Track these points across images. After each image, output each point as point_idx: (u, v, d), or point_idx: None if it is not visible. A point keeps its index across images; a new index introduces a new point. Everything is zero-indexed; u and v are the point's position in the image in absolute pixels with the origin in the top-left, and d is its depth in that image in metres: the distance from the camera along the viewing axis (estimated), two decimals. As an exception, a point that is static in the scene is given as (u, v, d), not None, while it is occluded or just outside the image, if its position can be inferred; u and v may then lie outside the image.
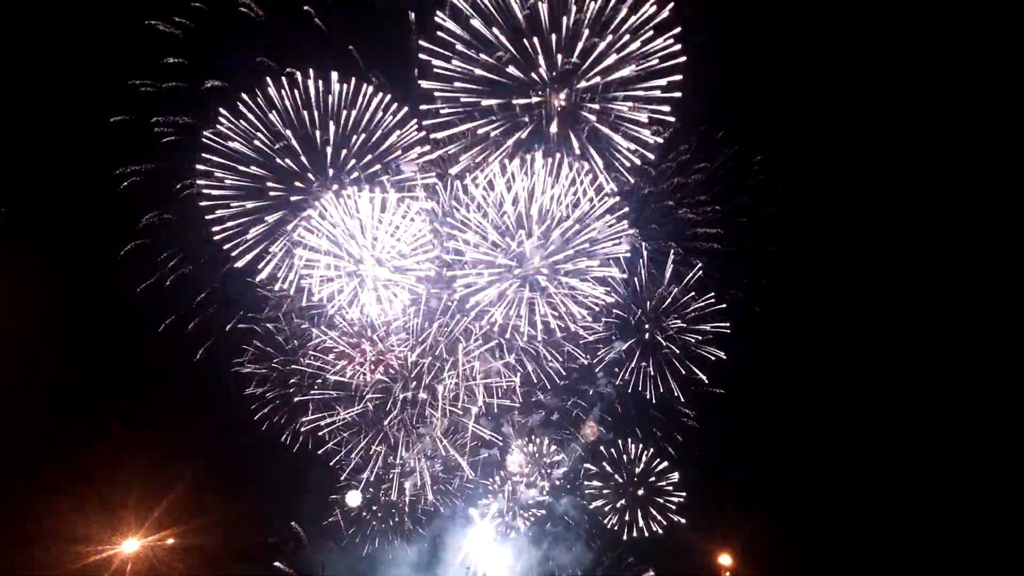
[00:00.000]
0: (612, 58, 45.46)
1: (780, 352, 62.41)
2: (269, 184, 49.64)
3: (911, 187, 61.59)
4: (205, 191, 49.73)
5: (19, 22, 50.60)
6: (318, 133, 48.80)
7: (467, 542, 63.27)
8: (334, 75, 48.46)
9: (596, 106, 47.27)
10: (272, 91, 48.38)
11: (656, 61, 45.87)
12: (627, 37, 45.54)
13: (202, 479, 53.53)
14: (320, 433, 56.39)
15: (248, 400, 55.89)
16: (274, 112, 48.59)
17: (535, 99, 46.52)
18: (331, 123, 48.61)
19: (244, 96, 48.64)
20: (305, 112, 48.55)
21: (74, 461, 51.55)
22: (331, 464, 57.68)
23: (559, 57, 45.44)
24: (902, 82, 58.83)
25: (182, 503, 52.56)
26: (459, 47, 45.61)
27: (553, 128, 47.49)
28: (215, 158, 49.25)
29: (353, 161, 49.76)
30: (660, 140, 49.74)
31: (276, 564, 59.13)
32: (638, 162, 49.26)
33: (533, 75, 45.86)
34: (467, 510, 63.37)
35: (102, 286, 52.67)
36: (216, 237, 50.50)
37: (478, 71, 45.94)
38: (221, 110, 48.92)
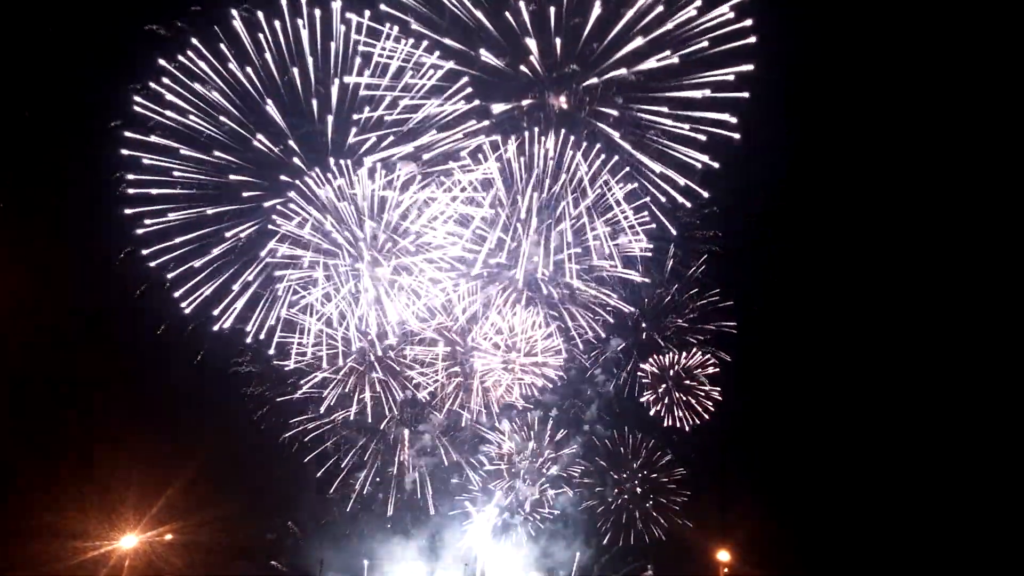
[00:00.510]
0: (639, 41, 30.17)
1: (778, 351, 62.18)
2: (233, 178, 33.18)
3: (910, 191, 61.14)
4: (133, 189, 34.98)
5: (20, 22, 50.33)
6: (315, 103, 32.44)
7: (466, 538, 63.30)
8: (336, 5, 31.11)
9: (614, 112, 32.74)
10: (239, 27, 30.88)
11: (707, 44, 30.68)
12: (660, 8, 29.76)
13: (201, 476, 53.69)
14: (319, 432, 56.65)
15: (247, 399, 56.05)
16: (248, 67, 32.03)
17: (528, 101, 32.48)
18: (335, 80, 31.47)
19: (195, 41, 31.64)
20: (296, 68, 31.41)
21: (73, 457, 51.88)
22: (330, 462, 57.93)
23: (558, 42, 29.43)
24: (901, 82, 58.20)
25: (180, 500, 52.71)
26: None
27: (550, 142, 33.89)
28: (153, 139, 33.14)
29: (372, 139, 33.48)
30: (717, 166, 34.78)
31: (273, 563, 59.41)
32: (688, 204, 35.42)
33: (524, 68, 31.07)
34: (466, 507, 63.49)
35: (102, 286, 52.73)
36: (152, 264, 36.14)
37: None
38: (161, 61, 32.26)
